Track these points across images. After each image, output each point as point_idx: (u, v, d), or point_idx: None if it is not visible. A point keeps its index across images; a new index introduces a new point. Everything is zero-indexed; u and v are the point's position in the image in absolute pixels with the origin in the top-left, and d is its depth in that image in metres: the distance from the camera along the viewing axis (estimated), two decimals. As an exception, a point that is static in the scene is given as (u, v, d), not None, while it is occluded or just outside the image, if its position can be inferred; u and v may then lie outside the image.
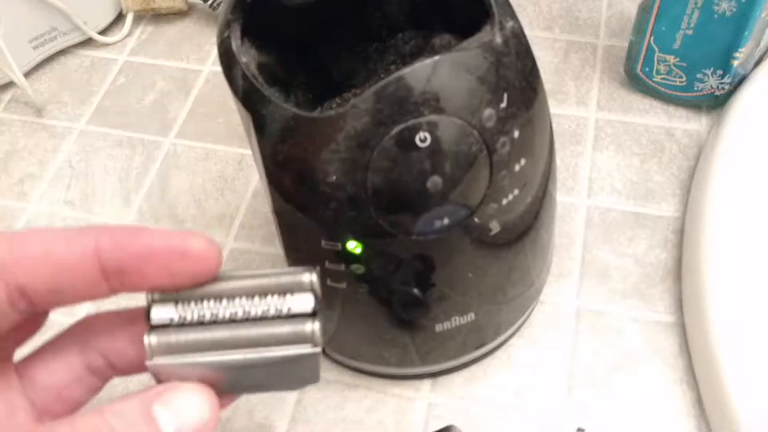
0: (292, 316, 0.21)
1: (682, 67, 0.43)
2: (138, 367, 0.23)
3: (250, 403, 0.37)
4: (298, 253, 0.31)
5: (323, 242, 0.29)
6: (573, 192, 0.43)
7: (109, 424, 0.19)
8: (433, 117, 0.26)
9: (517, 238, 0.32)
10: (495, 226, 0.29)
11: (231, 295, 0.21)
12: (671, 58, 0.43)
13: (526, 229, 0.33)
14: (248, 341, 0.21)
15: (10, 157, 0.48)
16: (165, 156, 0.47)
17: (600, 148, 0.44)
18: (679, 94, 0.45)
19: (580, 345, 0.37)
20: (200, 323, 0.21)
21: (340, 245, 0.29)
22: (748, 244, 0.37)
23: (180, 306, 0.21)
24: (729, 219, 0.38)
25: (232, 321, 0.21)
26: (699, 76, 0.43)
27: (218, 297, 0.21)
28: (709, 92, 0.43)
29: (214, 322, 0.21)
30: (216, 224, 0.44)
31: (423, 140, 0.26)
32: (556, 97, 0.47)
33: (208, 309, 0.21)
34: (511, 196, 0.29)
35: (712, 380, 0.34)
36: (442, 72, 0.26)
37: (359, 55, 0.34)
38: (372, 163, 0.26)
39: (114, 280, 0.20)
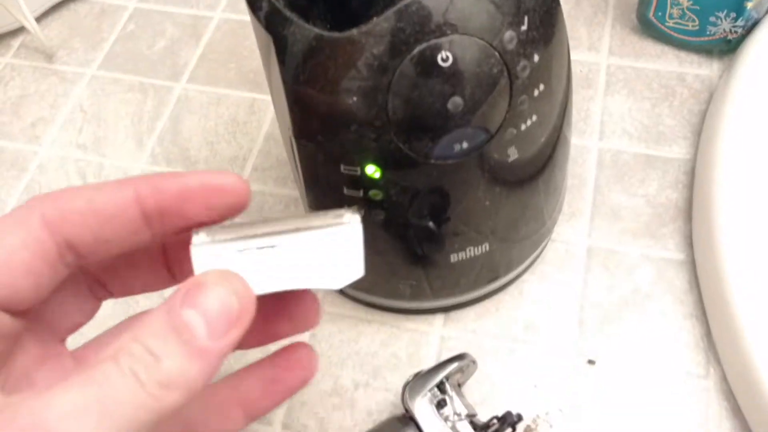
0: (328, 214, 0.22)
1: (695, 10, 0.43)
2: None
3: (265, 336, 0.37)
4: (316, 179, 0.31)
5: (342, 167, 0.29)
6: (585, 135, 0.43)
7: (143, 346, 0.18)
8: (455, 37, 0.26)
9: (532, 172, 0.32)
10: (513, 153, 0.30)
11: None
12: (684, 1, 0.43)
13: (541, 164, 0.33)
14: (288, 230, 0.21)
15: (21, 102, 0.48)
16: (177, 101, 0.47)
17: (612, 93, 0.44)
18: (691, 39, 0.45)
19: (591, 282, 0.37)
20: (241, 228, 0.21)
21: (359, 170, 0.29)
22: (757, 185, 0.37)
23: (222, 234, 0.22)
24: (739, 160, 0.38)
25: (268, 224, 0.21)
26: (712, 19, 0.43)
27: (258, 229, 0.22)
28: (722, 36, 0.43)
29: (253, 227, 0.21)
30: (228, 166, 0.44)
31: (445, 60, 0.26)
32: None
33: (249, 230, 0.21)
34: (529, 122, 0.29)
35: (721, 313, 0.34)
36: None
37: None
38: (393, 83, 0.27)
39: (156, 223, 0.21)
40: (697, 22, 0.43)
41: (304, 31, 0.27)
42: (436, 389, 0.31)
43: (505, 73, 0.27)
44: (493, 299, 0.37)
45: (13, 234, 0.20)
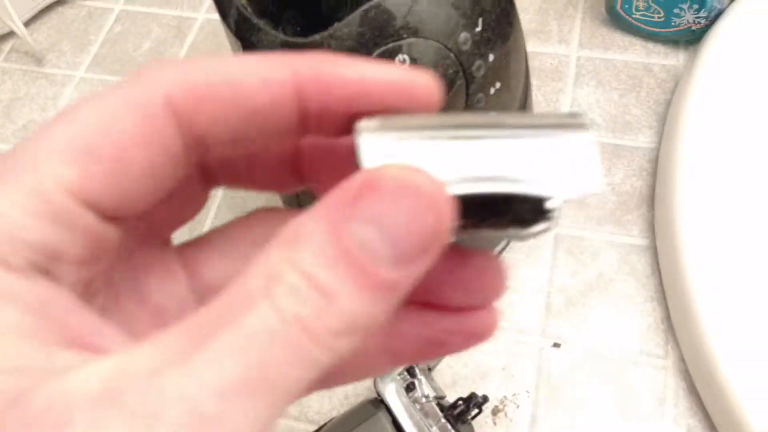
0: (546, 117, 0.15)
1: (659, 2, 0.44)
2: None
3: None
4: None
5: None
6: (554, 126, 0.44)
7: (305, 277, 0.12)
8: (412, 40, 0.28)
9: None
10: (472, 148, 0.31)
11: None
12: (649, -5, 0.44)
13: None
14: (491, 124, 0.15)
15: (12, 105, 0.50)
16: (162, 100, 0.49)
17: (581, 84, 0.46)
18: (657, 30, 0.46)
19: (557, 267, 0.39)
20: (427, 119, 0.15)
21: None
22: (717, 173, 0.38)
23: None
24: (699, 148, 0.39)
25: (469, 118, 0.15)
26: (676, 11, 0.44)
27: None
28: (686, 27, 0.45)
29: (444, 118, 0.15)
30: (212, 163, 0.45)
31: (402, 62, 0.28)
32: (539, 35, 0.48)
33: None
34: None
35: (679, 297, 0.36)
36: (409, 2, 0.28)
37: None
38: (354, 85, 0.28)
39: (312, 123, 0.15)
40: (662, 14, 0.45)
41: (270, 37, 0.29)
42: (405, 373, 0.33)
43: (461, 73, 0.29)
44: (465, 286, 0.39)
45: (128, 123, 0.14)
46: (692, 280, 0.36)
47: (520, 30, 0.32)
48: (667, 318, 0.37)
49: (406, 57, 0.28)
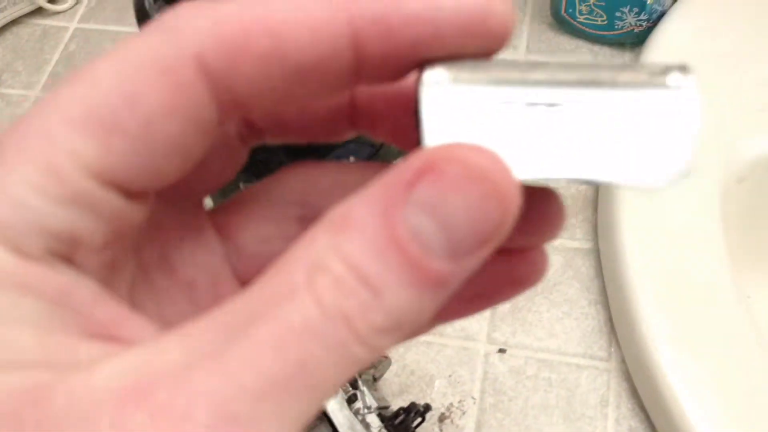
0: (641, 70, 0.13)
1: (601, 6, 0.44)
2: None
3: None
4: (220, 194, 0.33)
5: (241, 185, 0.31)
6: (501, 132, 0.45)
7: (349, 268, 0.11)
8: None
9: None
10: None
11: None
12: (590, -1, 0.44)
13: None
14: (580, 81, 0.12)
15: (-31, 127, 0.50)
16: (116, 118, 0.49)
17: (528, 89, 0.46)
18: (602, 33, 0.46)
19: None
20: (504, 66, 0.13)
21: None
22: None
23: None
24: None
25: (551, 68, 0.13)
26: (617, 14, 0.44)
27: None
28: (629, 30, 0.45)
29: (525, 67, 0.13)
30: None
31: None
32: (487, 42, 0.49)
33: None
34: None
35: (619, 300, 0.37)
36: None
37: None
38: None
39: (368, 72, 0.13)
40: (605, 17, 0.45)
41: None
42: (347, 385, 0.33)
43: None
44: (412, 295, 0.39)
45: (154, 90, 0.12)
46: (632, 282, 0.36)
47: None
48: (610, 321, 0.38)
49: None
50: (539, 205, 0.15)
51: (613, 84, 0.12)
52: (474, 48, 0.13)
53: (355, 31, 0.12)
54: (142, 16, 0.30)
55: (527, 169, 0.12)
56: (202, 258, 0.16)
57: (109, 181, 0.12)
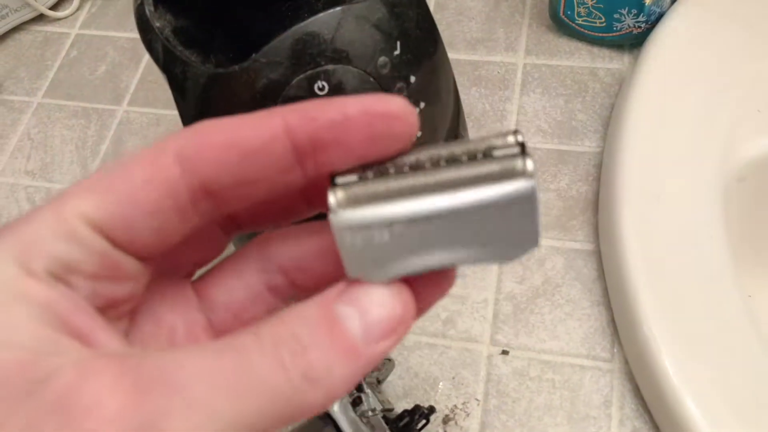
0: (493, 159, 0.17)
1: (599, 8, 0.45)
2: (322, 283, 0.21)
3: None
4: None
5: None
6: (502, 134, 0.45)
7: (290, 331, 0.16)
8: (329, 67, 0.28)
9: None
10: (402, 166, 0.32)
11: (420, 157, 0.18)
12: (589, 0, 0.44)
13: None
14: (446, 184, 0.17)
15: (-29, 134, 0.51)
16: (119, 123, 0.50)
17: (527, 92, 0.47)
18: (600, 35, 0.47)
19: (504, 275, 0.40)
20: (389, 175, 0.17)
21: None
22: (658, 175, 0.39)
23: (365, 170, 0.18)
24: (641, 151, 0.40)
25: (423, 169, 0.17)
26: (616, 16, 0.45)
27: (406, 158, 0.18)
28: (628, 31, 0.45)
29: (404, 174, 0.17)
30: (167, 185, 0.46)
31: (321, 89, 0.28)
32: (486, 44, 0.49)
33: (394, 165, 0.17)
34: (414, 139, 0.31)
35: (622, 301, 0.37)
36: (335, 24, 0.28)
37: (274, 15, 0.36)
38: (278, 113, 0.29)
39: (309, 161, 0.18)
40: (603, 19, 0.45)
41: (195, 69, 0.29)
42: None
43: (382, 96, 0.29)
44: (414, 298, 0.40)
45: (141, 169, 0.17)
46: (634, 283, 0.36)
47: (443, 49, 0.33)
48: (613, 321, 0.38)
49: (324, 84, 0.28)
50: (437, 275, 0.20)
51: (471, 181, 0.16)
52: (394, 134, 0.17)
53: (287, 124, 0.17)
54: (143, 23, 0.31)
55: (410, 265, 0.17)
56: (182, 310, 0.20)
57: (100, 229, 0.17)
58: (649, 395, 0.35)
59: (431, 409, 0.34)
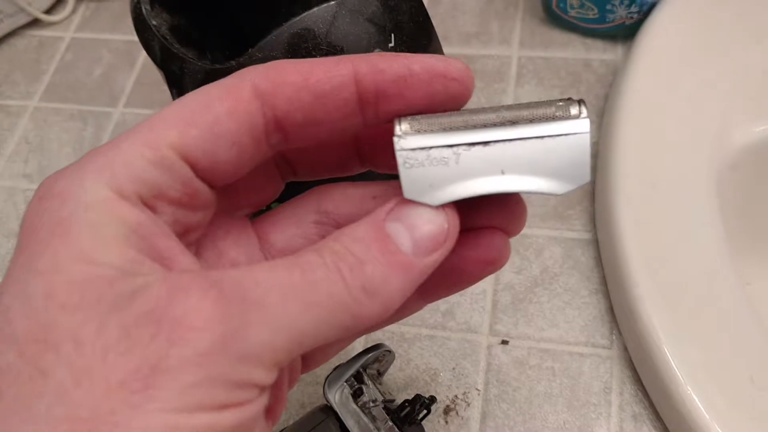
0: (552, 103, 0.18)
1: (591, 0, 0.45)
2: None
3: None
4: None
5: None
6: (497, 127, 0.45)
7: (348, 248, 0.18)
8: (325, 60, 0.29)
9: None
10: (399, 158, 0.32)
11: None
12: (580, -8, 0.45)
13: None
14: (507, 120, 0.18)
15: (-31, 138, 0.51)
16: (115, 125, 0.50)
17: (522, 84, 0.47)
18: (593, 26, 0.47)
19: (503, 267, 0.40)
20: (451, 114, 0.19)
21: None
22: (653, 164, 0.39)
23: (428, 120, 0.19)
24: (635, 140, 0.40)
25: (484, 111, 0.19)
26: (608, 7, 0.45)
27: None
28: (620, 22, 0.46)
29: (465, 113, 0.19)
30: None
31: (317, 82, 0.29)
32: (480, 38, 0.49)
33: (459, 116, 0.19)
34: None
35: (619, 288, 0.37)
36: (330, 18, 0.29)
37: (269, 10, 0.36)
38: (274, 107, 0.29)
39: (370, 108, 0.19)
40: (596, 11, 0.46)
41: (192, 65, 0.30)
42: (353, 379, 0.34)
43: (378, 88, 0.30)
44: (414, 290, 0.40)
45: (222, 101, 0.18)
46: (631, 270, 0.37)
47: (437, 42, 0.33)
48: (611, 309, 0.38)
49: (321, 76, 0.28)
50: (501, 201, 0.21)
51: (528, 118, 0.18)
52: (451, 93, 0.19)
53: (357, 74, 0.19)
54: (140, 22, 0.31)
55: (468, 189, 0.18)
56: (243, 246, 0.22)
57: (185, 156, 0.18)
58: (648, 381, 0.35)
59: (432, 399, 0.34)
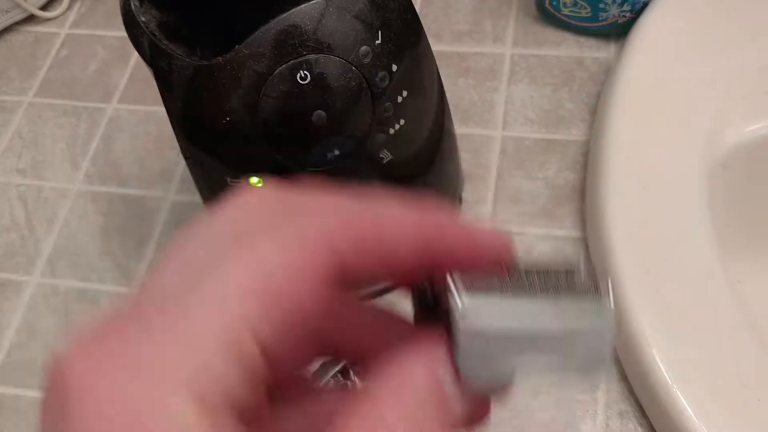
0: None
1: (584, -2, 0.45)
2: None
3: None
4: (210, 193, 0.34)
5: (228, 180, 0.32)
6: (489, 125, 0.45)
7: (387, 419, 0.15)
8: (311, 56, 0.29)
9: (417, 169, 0.35)
10: (386, 155, 0.32)
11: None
12: (573, -9, 0.45)
13: (426, 160, 0.35)
14: (549, 305, 0.19)
15: (-37, 133, 0.51)
16: (109, 121, 0.50)
17: (515, 82, 0.47)
18: (587, 24, 0.47)
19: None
20: (497, 286, 0.19)
21: (243, 182, 0.31)
22: (644, 162, 0.39)
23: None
24: (626, 138, 0.40)
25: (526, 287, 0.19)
26: (601, 5, 0.45)
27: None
28: (613, 21, 0.46)
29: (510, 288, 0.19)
30: (158, 180, 0.46)
31: (303, 78, 0.29)
32: (473, 36, 0.49)
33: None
34: (398, 126, 0.32)
35: (608, 285, 0.37)
36: (318, 15, 0.29)
37: (258, 6, 0.36)
38: (260, 103, 0.29)
39: (424, 261, 0.18)
40: (589, 9, 0.46)
41: (180, 62, 0.30)
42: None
43: (365, 85, 0.30)
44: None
45: (305, 270, 0.15)
46: (620, 269, 0.37)
47: (425, 38, 0.33)
48: (599, 307, 0.38)
49: (306, 73, 0.29)
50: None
51: (566, 311, 0.18)
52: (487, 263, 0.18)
53: (427, 242, 0.17)
54: (129, 18, 0.31)
55: (507, 368, 0.18)
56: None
57: (265, 348, 0.14)
58: (635, 379, 0.36)
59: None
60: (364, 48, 0.29)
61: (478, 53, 0.48)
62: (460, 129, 0.44)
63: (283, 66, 0.28)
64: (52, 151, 0.49)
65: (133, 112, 0.50)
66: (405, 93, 0.31)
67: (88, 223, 0.46)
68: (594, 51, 0.47)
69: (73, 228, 0.46)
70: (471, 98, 0.46)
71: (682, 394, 0.33)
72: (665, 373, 0.34)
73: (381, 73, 0.30)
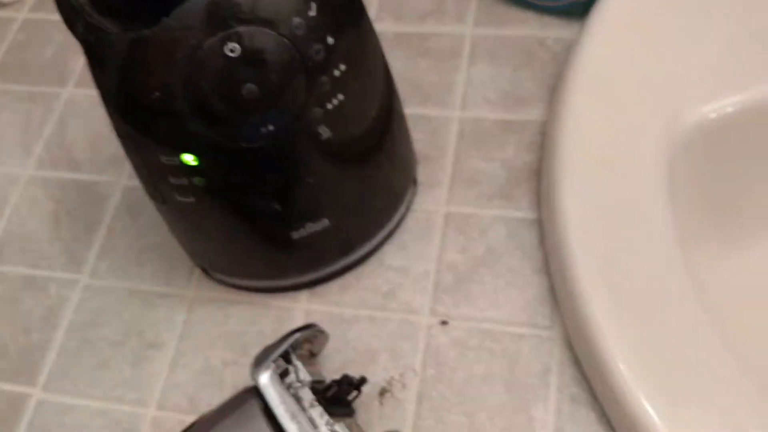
0: None
1: (544, -24, 0.44)
2: None
3: (140, 324, 0.39)
4: (145, 171, 0.33)
5: (162, 158, 0.31)
6: (447, 106, 0.44)
7: None
8: (241, 28, 0.28)
9: (359, 148, 0.34)
10: (325, 131, 0.31)
11: None
12: (533, -31, 0.44)
13: (372, 139, 0.34)
14: None
15: None
16: (64, 105, 0.49)
17: (475, 62, 0.46)
18: (549, 4, 0.46)
19: (447, 246, 0.39)
20: None
21: (177, 159, 0.30)
22: (601, 143, 0.38)
23: None
24: (584, 119, 0.39)
25: None
26: (561, -16, 0.44)
27: None
28: (576, 0, 0.45)
29: None
30: (111, 165, 0.46)
31: (232, 51, 0.28)
32: (435, 16, 0.48)
33: None
34: (335, 101, 0.31)
35: (560, 268, 0.36)
36: (247, -15, 0.28)
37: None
38: (189, 77, 0.28)
39: None
40: (549, -12, 0.45)
41: (106, 36, 0.29)
42: (281, 360, 0.33)
43: (297, 57, 0.29)
44: (355, 271, 0.39)
45: None
46: (572, 251, 0.36)
47: (364, 12, 0.32)
48: (553, 290, 0.37)
49: (235, 46, 0.28)
50: None
51: None
52: None
53: None
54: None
55: None
56: None
57: None
58: (587, 363, 0.35)
59: (362, 380, 0.34)
60: (297, 20, 0.28)
61: (440, 33, 0.47)
62: (417, 110, 0.44)
63: (213, 39, 0.27)
64: (5, 137, 0.48)
65: (88, 96, 0.49)
66: (343, 67, 0.30)
67: (38, 209, 0.45)
68: (557, 31, 0.46)
69: (23, 214, 0.45)
70: (431, 79, 0.45)
71: (631, 378, 0.32)
72: (616, 357, 0.33)
73: (316, 46, 0.29)
